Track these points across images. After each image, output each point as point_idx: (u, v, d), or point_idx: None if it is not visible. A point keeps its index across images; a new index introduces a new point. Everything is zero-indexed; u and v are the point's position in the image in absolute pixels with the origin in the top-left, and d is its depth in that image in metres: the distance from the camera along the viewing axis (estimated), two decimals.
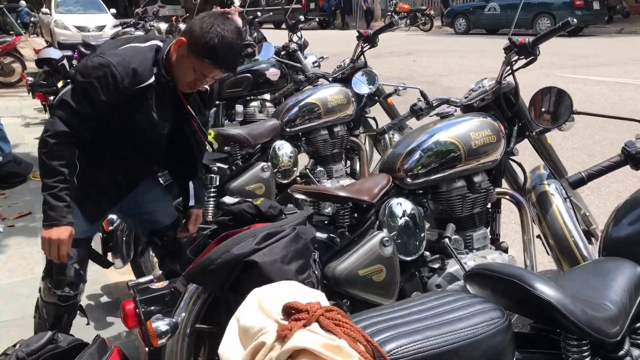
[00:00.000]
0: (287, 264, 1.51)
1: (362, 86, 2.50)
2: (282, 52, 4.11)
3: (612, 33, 15.07)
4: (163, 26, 7.39)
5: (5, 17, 22.42)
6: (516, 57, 2.22)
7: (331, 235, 1.98)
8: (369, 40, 3.21)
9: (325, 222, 2.00)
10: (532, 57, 2.17)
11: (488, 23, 16.46)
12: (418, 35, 17.37)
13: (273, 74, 4.00)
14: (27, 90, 7.00)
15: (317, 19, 22.85)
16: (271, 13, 20.97)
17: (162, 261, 2.24)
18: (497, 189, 2.26)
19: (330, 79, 3.31)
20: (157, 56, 1.85)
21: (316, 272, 1.71)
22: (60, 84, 5.47)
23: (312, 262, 1.70)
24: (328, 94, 3.10)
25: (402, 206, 2.00)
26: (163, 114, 1.90)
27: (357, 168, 3.32)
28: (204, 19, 1.80)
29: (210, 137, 2.80)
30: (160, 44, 1.89)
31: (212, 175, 2.74)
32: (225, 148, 2.92)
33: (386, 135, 3.30)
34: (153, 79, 1.82)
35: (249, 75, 3.99)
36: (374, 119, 3.42)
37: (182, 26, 6.90)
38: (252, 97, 4.05)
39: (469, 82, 8.60)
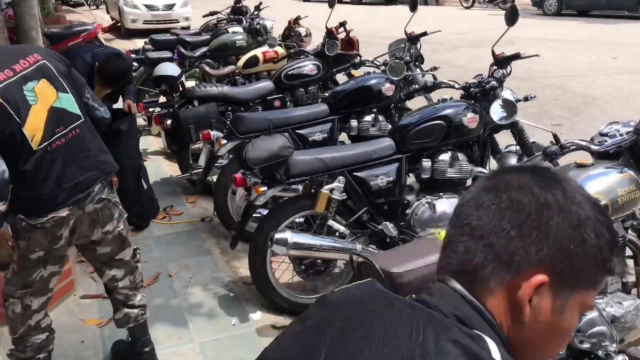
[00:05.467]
0: None
1: (499, 116, 2.81)
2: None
3: None
4: (269, 24, 6.47)
5: None
6: None
7: None
8: (499, 63, 3.30)
9: None
10: None
11: (582, 4, 15.17)
12: (501, 16, 15.97)
13: (388, 89, 4.00)
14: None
15: None
16: None
17: None
18: None
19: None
20: None
21: None
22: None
23: None
24: None
25: None
26: None
27: None
28: None
29: (440, 236, 2.30)
30: None
31: None
32: None
33: None
34: None
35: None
36: None
37: (302, 30, 6.06)
38: (365, 110, 4.09)
39: (605, 89, 7.32)
